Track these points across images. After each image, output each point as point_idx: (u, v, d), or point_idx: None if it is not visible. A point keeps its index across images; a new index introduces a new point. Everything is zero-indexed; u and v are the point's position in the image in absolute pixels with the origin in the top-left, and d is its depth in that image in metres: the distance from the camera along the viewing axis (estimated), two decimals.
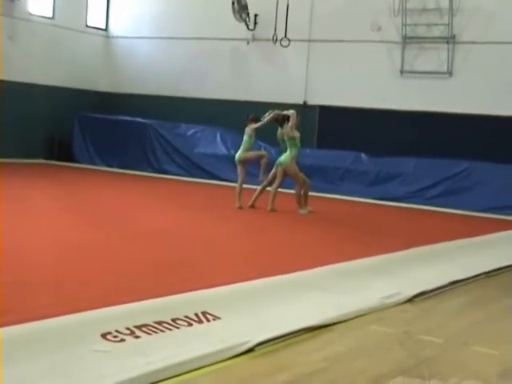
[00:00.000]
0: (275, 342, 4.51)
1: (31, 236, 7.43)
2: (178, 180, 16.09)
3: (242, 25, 17.24)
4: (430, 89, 15.50)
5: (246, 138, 11.52)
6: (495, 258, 8.30)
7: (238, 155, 11.60)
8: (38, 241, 7.23)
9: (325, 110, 16.56)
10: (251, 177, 12.68)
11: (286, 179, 11.37)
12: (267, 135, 15.10)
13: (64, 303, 4.85)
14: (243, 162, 11.55)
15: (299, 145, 11.27)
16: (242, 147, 11.55)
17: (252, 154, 11.68)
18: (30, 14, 17.37)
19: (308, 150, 14.45)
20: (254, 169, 13.74)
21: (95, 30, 19.24)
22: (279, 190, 11.35)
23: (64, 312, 4.44)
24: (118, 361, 3.85)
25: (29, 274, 5.65)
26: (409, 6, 15.48)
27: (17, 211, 9.13)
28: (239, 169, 11.54)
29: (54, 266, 6.14)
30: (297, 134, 11.13)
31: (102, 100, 19.07)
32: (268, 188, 11.40)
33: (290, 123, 11.01)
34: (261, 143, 16.15)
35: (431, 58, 15.52)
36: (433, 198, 14.22)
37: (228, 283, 5.63)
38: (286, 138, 11.14)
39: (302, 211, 11.18)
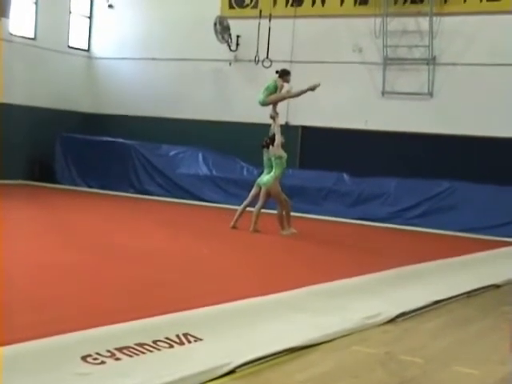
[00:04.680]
0: (257, 363, 4.49)
1: (9, 257, 7.33)
2: (160, 201, 16.04)
3: (225, 46, 17.32)
4: (410, 109, 15.62)
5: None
6: (476, 278, 8.34)
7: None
8: (16, 262, 7.14)
9: (307, 130, 16.63)
10: (235, 197, 12.59)
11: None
12: (250, 156, 15.18)
13: (43, 325, 4.78)
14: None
15: (285, 165, 11.28)
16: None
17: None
18: (11, 34, 17.31)
19: (290, 171, 14.46)
20: (234, 188, 13.66)
21: (77, 51, 19.23)
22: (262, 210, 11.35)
23: (43, 334, 4.38)
24: (100, 383, 3.81)
25: (7, 296, 5.57)
26: (390, 28, 15.64)
27: None
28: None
29: (33, 287, 6.08)
30: (284, 154, 11.13)
31: (84, 121, 19.02)
32: (249, 208, 11.39)
33: (276, 141, 11.02)
34: (244, 164, 16.23)
35: (412, 79, 15.66)
36: (414, 218, 14.27)
37: (210, 304, 5.60)
38: (272, 158, 11.13)
39: (285, 232, 11.16)
